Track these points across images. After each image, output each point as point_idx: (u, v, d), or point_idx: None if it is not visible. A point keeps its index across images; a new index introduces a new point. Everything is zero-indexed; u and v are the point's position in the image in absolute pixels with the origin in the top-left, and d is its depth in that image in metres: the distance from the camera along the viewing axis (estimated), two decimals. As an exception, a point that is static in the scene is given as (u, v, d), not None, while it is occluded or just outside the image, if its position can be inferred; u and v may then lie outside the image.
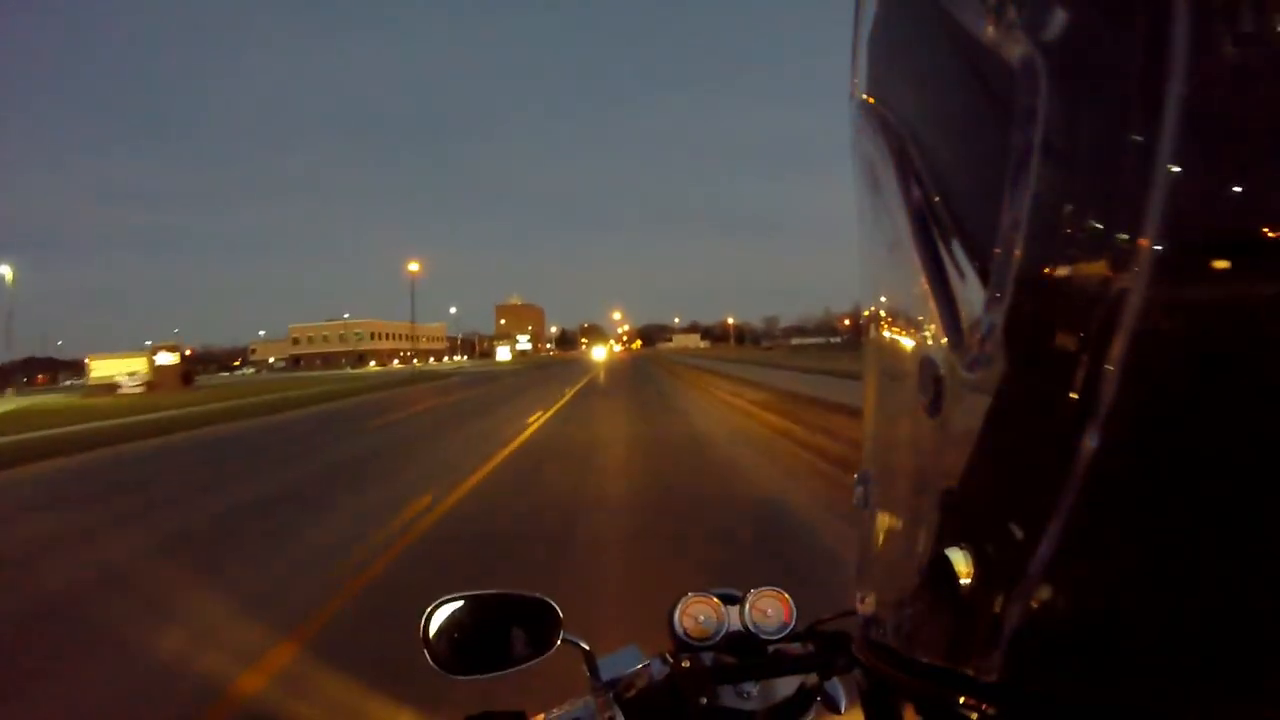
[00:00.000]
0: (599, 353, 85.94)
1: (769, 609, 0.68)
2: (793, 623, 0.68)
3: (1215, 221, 0.25)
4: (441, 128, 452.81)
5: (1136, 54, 0.25)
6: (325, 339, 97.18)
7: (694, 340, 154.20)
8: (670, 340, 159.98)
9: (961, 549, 0.33)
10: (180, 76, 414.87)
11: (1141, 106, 0.25)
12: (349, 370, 70.24)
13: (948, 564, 0.33)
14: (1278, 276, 0.24)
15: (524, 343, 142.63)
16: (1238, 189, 0.25)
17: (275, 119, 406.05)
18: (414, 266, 46.15)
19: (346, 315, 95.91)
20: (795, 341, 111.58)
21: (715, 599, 0.69)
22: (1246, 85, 0.24)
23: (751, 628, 0.67)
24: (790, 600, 0.69)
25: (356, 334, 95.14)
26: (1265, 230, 0.24)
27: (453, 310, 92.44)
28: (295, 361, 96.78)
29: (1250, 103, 0.24)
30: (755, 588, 0.70)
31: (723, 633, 0.67)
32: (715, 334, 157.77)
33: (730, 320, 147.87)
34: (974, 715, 0.33)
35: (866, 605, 0.46)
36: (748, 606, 0.68)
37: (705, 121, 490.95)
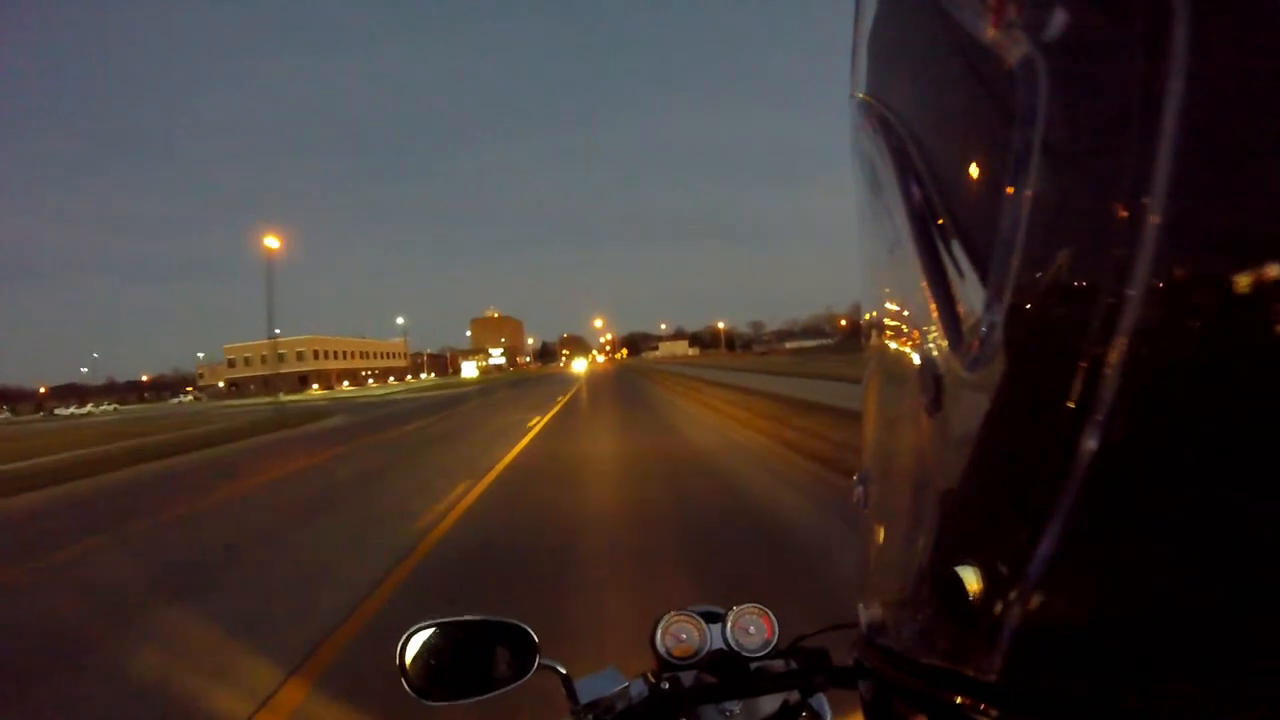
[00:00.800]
0: (580, 365, 75.82)
1: (751, 626, 0.67)
2: (775, 640, 0.67)
3: (1215, 221, 0.25)
4: (419, 145, 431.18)
5: (1136, 54, 0.25)
6: (263, 360, 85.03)
7: (681, 347, 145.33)
8: (656, 348, 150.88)
9: (961, 550, 0.34)
10: (147, 100, 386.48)
11: (1141, 106, 0.25)
12: (281, 397, 58.58)
13: (948, 565, 0.34)
14: (1276, 275, 0.24)
15: (497, 357, 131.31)
16: (1237, 189, 0.25)
17: (246, 140, 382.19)
18: (272, 243, 30.65)
19: (278, 331, 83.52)
20: (792, 345, 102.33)
21: (697, 617, 0.69)
22: (1246, 85, 0.24)
23: (734, 645, 0.67)
24: (773, 617, 0.68)
25: (298, 352, 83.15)
26: (1265, 230, 0.24)
27: (400, 320, 76.13)
28: (232, 386, 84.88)
29: (1250, 103, 0.24)
30: (738, 605, 0.69)
31: (705, 651, 0.67)
32: (704, 340, 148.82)
33: (721, 325, 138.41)
34: (975, 716, 0.33)
35: (869, 608, 0.45)
36: (730, 624, 0.67)
37: (684, 133, 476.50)
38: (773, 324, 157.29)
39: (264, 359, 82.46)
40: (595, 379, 36.58)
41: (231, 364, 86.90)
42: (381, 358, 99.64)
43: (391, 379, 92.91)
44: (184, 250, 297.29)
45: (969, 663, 0.33)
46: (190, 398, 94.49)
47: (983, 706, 0.32)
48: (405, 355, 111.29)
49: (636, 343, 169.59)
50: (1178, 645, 0.27)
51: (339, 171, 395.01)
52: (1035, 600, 0.29)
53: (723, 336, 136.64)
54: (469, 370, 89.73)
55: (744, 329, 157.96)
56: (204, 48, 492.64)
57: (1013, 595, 0.30)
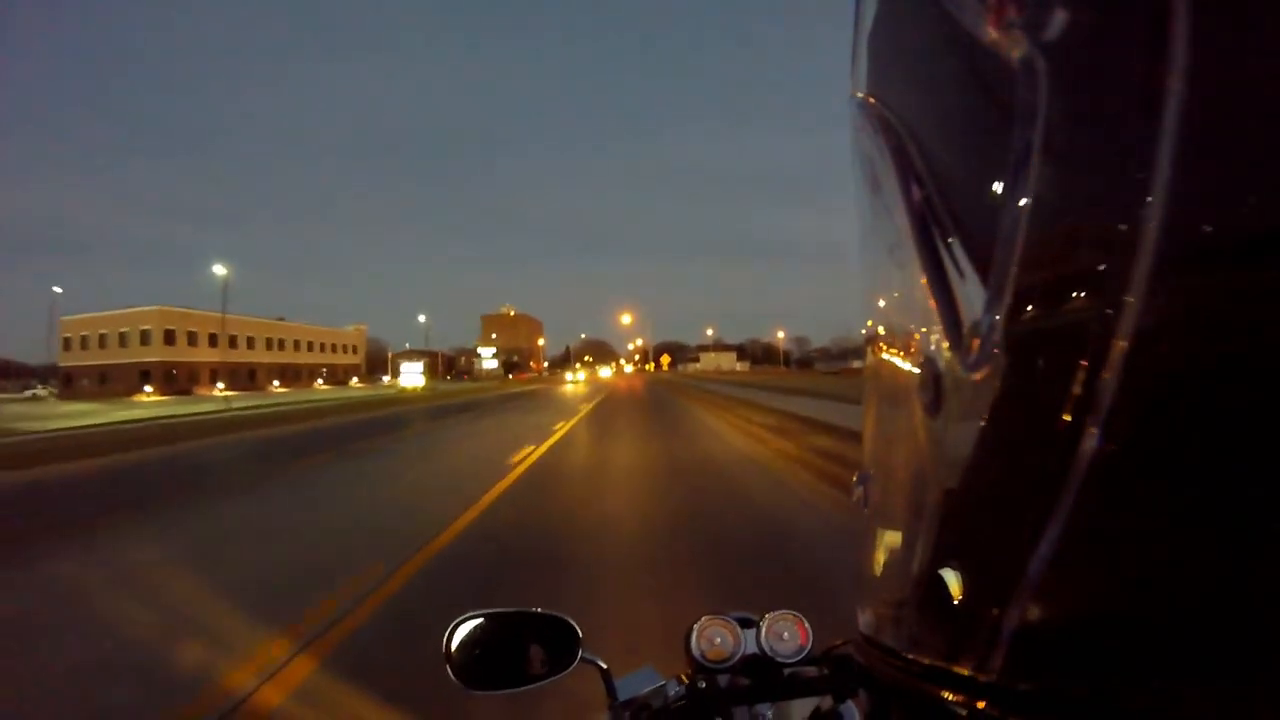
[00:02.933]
0: (578, 377, 45.86)
1: (785, 632, 0.69)
2: (809, 646, 0.68)
3: (1214, 221, 0.25)
4: (459, 151, 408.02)
5: (1136, 54, 0.26)
6: (101, 341, 56.50)
7: (729, 360, 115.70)
8: (696, 359, 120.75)
9: (962, 550, 0.34)
10: (192, 98, 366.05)
11: (1141, 106, 0.25)
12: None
13: (949, 565, 0.34)
14: (1277, 276, 0.24)
15: (489, 358, 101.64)
16: (1236, 189, 0.25)
17: (280, 142, 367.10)
18: None
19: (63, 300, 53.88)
20: (859, 365, 69.56)
21: (732, 622, 0.70)
22: (1246, 85, 0.25)
23: (767, 650, 0.68)
24: (806, 623, 0.70)
25: (143, 331, 54.18)
26: (1264, 230, 0.24)
27: (219, 270, 38.99)
28: (66, 381, 56.70)
29: (1249, 103, 0.25)
30: (772, 610, 0.71)
31: (739, 655, 0.68)
32: (754, 355, 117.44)
33: (780, 334, 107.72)
34: (975, 716, 0.33)
35: (868, 609, 0.46)
36: (764, 629, 0.69)
37: (724, 150, 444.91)
38: (818, 340, 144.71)
39: (102, 340, 53.91)
40: (601, 410, 17.89)
41: (67, 345, 59.05)
42: (318, 350, 71.52)
43: (319, 381, 64.45)
44: (211, 243, 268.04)
45: (969, 663, 0.33)
46: (46, 390, 66.64)
47: (983, 706, 0.33)
48: (358, 349, 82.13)
49: (673, 352, 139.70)
50: (1178, 645, 0.27)
51: (372, 176, 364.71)
52: (1035, 600, 0.30)
53: (780, 350, 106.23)
54: (411, 376, 59.35)
55: (786, 345, 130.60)
56: (235, 51, 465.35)
57: (1013, 595, 0.30)
